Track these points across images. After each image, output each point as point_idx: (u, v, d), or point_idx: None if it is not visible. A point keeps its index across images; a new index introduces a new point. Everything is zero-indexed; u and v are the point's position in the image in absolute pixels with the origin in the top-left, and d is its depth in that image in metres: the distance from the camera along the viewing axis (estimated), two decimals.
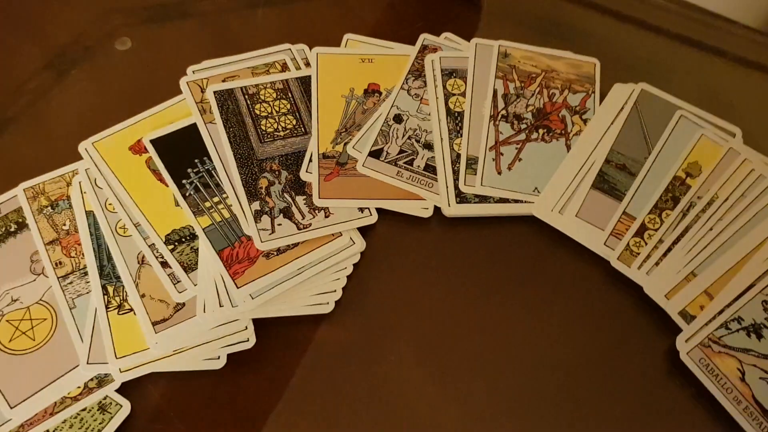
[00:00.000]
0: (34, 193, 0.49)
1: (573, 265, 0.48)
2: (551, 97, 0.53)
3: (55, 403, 0.43)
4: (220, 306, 0.45)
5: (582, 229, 0.49)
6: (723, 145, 0.51)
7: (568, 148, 0.51)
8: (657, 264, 0.47)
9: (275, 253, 0.47)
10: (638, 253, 0.47)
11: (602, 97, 0.54)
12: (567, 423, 0.44)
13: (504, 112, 0.52)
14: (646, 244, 0.48)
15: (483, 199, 0.50)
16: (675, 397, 0.44)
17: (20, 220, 0.48)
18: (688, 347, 0.44)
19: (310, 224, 0.48)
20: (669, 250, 0.47)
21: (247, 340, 0.45)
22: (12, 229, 0.48)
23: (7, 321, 0.45)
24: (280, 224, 0.48)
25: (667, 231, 0.48)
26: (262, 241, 0.47)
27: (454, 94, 0.53)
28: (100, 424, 0.42)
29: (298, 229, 0.48)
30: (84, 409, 0.43)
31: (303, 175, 0.50)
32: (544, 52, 0.55)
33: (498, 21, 0.60)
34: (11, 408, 0.42)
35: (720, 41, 0.59)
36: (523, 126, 0.52)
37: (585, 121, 0.53)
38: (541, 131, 0.52)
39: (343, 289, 0.47)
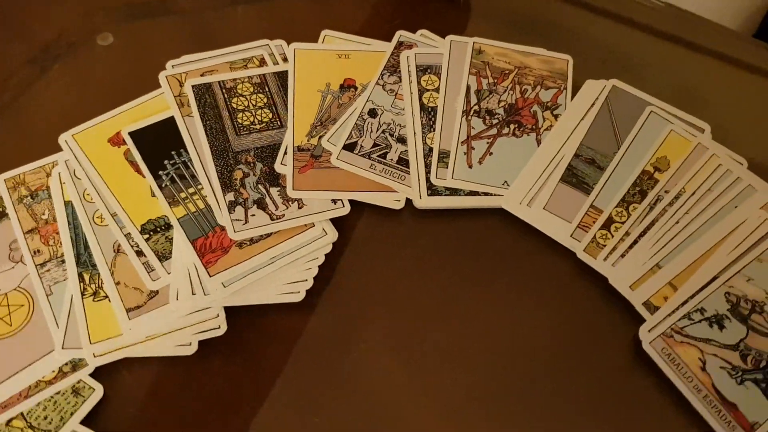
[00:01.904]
0: (15, 184, 0.50)
1: (541, 256, 0.49)
2: (523, 92, 0.54)
3: (30, 386, 0.44)
4: (193, 294, 0.46)
5: (549, 221, 0.49)
6: (692, 141, 0.52)
7: (539, 142, 0.52)
8: (623, 256, 0.48)
9: (248, 242, 0.48)
10: (604, 245, 0.48)
11: (575, 93, 0.54)
12: (533, 410, 0.44)
13: (476, 107, 0.53)
14: (612, 236, 0.49)
15: (454, 191, 0.50)
16: (638, 386, 0.45)
17: (0, 209, 0.50)
18: (651, 337, 0.45)
19: (284, 215, 0.49)
20: (635, 242, 0.48)
21: (218, 327, 0.46)
22: None
23: None
24: (253, 215, 0.49)
25: (634, 224, 0.49)
26: (235, 231, 0.48)
27: (428, 90, 0.54)
28: (73, 407, 0.43)
29: (272, 219, 0.49)
30: (58, 393, 0.44)
31: (278, 167, 0.51)
32: (518, 49, 0.56)
33: (474, 18, 0.61)
34: None
35: (694, 37, 0.60)
36: (495, 121, 0.53)
37: (556, 117, 0.53)
38: (512, 126, 0.53)
39: (315, 278, 0.48)
